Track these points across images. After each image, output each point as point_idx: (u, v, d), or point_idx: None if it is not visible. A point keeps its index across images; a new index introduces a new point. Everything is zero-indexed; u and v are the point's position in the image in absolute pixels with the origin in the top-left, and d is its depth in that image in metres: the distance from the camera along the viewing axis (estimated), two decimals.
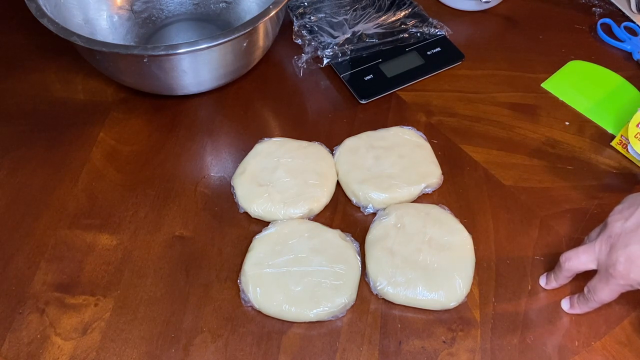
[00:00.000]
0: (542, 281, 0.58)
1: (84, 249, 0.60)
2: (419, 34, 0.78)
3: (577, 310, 0.55)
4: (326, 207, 0.64)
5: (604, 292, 0.52)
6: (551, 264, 0.59)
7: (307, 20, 0.79)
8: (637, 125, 0.64)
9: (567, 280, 0.56)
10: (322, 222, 0.61)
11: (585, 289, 0.54)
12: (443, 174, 0.65)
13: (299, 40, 0.78)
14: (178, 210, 0.64)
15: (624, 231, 0.50)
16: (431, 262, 0.57)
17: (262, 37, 0.69)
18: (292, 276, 0.56)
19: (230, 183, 0.65)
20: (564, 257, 0.54)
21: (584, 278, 0.54)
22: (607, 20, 0.81)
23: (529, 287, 0.58)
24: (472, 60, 0.77)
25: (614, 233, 0.50)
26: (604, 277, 0.51)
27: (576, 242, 0.61)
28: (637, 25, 0.81)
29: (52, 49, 0.78)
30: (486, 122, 0.71)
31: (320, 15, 0.80)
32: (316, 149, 0.67)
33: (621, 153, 0.68)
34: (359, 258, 0.58)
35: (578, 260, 0.53)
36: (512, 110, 0.72)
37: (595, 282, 0.52)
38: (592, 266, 0.53)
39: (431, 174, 0.64)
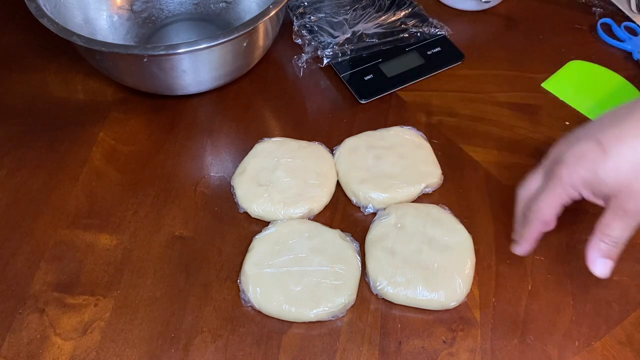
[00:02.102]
0: (515, 248, 0.56)
1: (84, 249, 0.60)
2: (419, 34, 0.78)
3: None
4: (326, 207, 0.64)
5: (544, 202, 0.50)
6: (551, 264, 0.59)
7: (307, 20, 0.79)
8: None
9: (530, 226, 0.53)
10: (322, 222, 0.61)
11: (526, 211, 0.53)
12: (443, 174, 0.65)
13: (299, 40, 0.78)
14: (178, 210, 0.64)
15: (565, 143, 0.50)
16: (431, 262, 0.57)
17: (262, 37, 0.69)
18: (292, 276, 0.56)
19: (230, 183, 0.65)
20: (517, 191, 0.54)
21: None
22: (607, 20, 0.81)
23: (529, 287, 0.58)
24: (472, 60, 0.77)
25: (555, 150, 0.51)
26: (548, 182, 0.50)
27: (576, 241, 0.61)
28: (637, 25, 0.81)
29: (52, 49, 0.78)
30: (486, 122, 0.71)
31: (320, 15, 0.80)
32: (316, 149, 0.67)
33: None
34: (359, 258, 0.58)
35: (528, 186, 0.53)
36: (512, 110, 0.72)
37: (538, 192, 0.51)
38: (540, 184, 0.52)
39: (431, 174, 0.64)
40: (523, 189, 0.54)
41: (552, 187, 0.50)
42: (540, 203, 0.51)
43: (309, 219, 0.62)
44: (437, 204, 0.62)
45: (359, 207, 0.64)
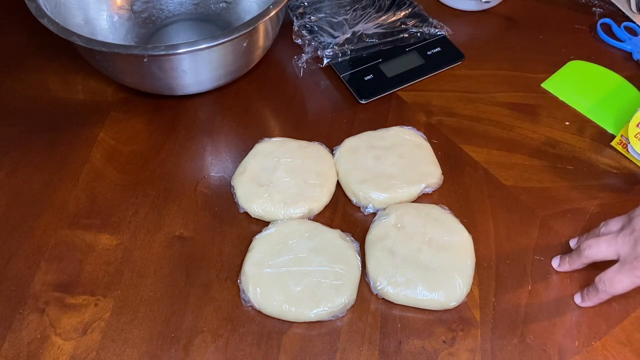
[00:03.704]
0: (555, 263, 0.59)
1: (84, 248, 0.60)
2: (419, 34, 0.78)
3: (588, 302, 0.56)
4: (326, 207, 0.64)
5: (621, 284, 0.52)
6: (551, 264, 0.59)
7: (307, 20, 0.79)
8: (637, 125, 0.64)
9: (581, 266, 0.57)
10: (322, 222, 0.61)
11: (597, 280, 0.54)
12: (443, 174, 0.65)
13: (299, 40, 0.78)
14: (178, 210, 0.64)
15: None
16: (431, 262, 0.57)
17: (262, 37, 0.69)
18: (292, 276, 0.56)
19: (230, 183, 0.65)
20: (584, 245, 0.55)
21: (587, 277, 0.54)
22: (607, 20, 0.81)
23: (529, 287, 0.58)
24: (472, 60, 0.77)
25: (638, 227, 0.51)
26: (625, 269, 0.52)
27: None
28: (637, 25, 0.81)
29: (52, 49, 0.78)
30: (486, 122, 0.71)
31: (320, 15, 0.80)
32: (316, 149, 0.67)
33: (621, 153, 0.68)
34: (359, 258, 0.58)
35: (598, 249, 0.54)
36: (512, 110, 0.72)
37: (613, 273, 0.53)
38: (611, 257, 0.53)
39: (431, 174, 0.64)
40: (591, 249, 0.54)
41: (631, 277, 0.52)
42: (618, 285, 0.53)
43: (309, 219, 0.62)
44: (437, 204, 0.62)
45: (359, 207, 0.64)
